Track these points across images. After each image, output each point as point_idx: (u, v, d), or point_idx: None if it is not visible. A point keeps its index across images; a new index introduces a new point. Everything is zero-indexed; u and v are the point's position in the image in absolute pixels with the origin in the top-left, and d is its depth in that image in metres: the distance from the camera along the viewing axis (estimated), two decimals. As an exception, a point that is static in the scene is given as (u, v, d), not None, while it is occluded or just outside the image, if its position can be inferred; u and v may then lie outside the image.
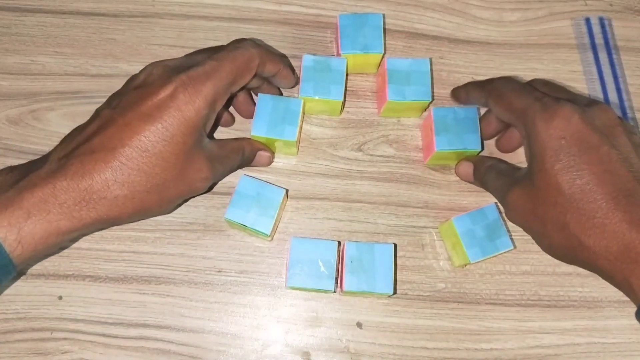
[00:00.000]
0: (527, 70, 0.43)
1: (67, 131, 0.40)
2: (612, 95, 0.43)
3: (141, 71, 0.33)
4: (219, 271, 0.38)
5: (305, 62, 0.39)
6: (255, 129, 0.37)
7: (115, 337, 0.37)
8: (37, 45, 0.42)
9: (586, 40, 0.44)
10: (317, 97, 0.38)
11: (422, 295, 0.38)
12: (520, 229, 0.34)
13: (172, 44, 0.43)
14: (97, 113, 0.32)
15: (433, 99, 0.39)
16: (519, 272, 0.39)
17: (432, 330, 0.38)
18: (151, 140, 0.30)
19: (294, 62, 0.42)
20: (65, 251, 0.38)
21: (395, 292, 0.38)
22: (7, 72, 0.42)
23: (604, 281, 0.38)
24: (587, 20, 0.44)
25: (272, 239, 0.38)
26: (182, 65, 0.33)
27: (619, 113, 0.42)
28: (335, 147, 0.41)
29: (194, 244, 0.38)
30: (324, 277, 0.35)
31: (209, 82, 0.32)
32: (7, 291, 0.37)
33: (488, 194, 0.40)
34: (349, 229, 0.39)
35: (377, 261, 0.35)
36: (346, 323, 0.38)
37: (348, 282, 0.35)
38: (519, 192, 0.33)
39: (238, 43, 0.35)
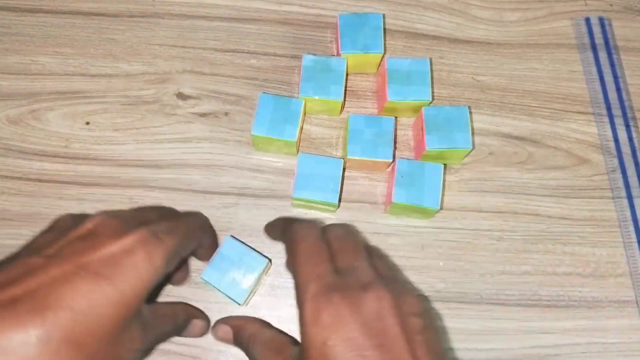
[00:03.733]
0: (527, 70, 0.43)
1: (67, 131, 0.41)
2: (612, 95, 0.43)
3: (85, 219, 0.28)
4: None
5: (305, 62, 0.39)
6: (256, 128, 0.37)
7: (115, 337, 0.37)
8: (37, 45, 0.42)
9: (586, 40, 0.44)
10: (317, 97, 0.38)
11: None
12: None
13: (172, 44, 0.43)
14: (23, 258, 0.26)
15: (433, 99, 0.39)
16: (519, 272, 0.39)
17: (432, 330, 0.38)
18: (94, 302, 0.24)
19: (294, 62, 0.42)
20: (65, 251, 0.38)
21: (441, 209, 0.38)
22: (7, 72, 0.42)
23: (604, 281, 0.38)
24: (587, 20, 0.44)
25: (246, 304, 0.37)
26: (137, 220, 0.29)
27: (619, 113, 0.42)
28: (335, 147, 0.41)
29: (194, 244, 0.38)
30: (329, 191, 0.36)
31: (168, 239, 0.28)
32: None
33: (488, 194, 0.40)
34: (349, 229, 0.39)
35: (427, 178, 0.36)
36: (346, 323, 0.38)
37: (397, 195, 0.36)
38: None
39: (182, 214, 0.34)
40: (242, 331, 0.34)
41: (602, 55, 0.44)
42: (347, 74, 0.40)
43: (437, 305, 0.38)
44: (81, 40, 0.43)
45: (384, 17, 0.40)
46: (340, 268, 0.28)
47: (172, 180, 0.39)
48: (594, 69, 0.43)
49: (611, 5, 0.45)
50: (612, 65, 0.43)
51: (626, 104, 0.43)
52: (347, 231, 0.31)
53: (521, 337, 0.38)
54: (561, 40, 0.44)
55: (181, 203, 0.39)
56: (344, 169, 0.37)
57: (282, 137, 0.37)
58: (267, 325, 0.35)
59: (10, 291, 0.24)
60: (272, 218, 0.39)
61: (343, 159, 0.37)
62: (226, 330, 0.35)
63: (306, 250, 0.29)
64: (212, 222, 0.39)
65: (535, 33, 0.44)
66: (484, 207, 0.40)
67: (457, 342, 0.37)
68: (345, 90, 0.41)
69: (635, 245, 0.39)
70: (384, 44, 0.39)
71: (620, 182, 0.41)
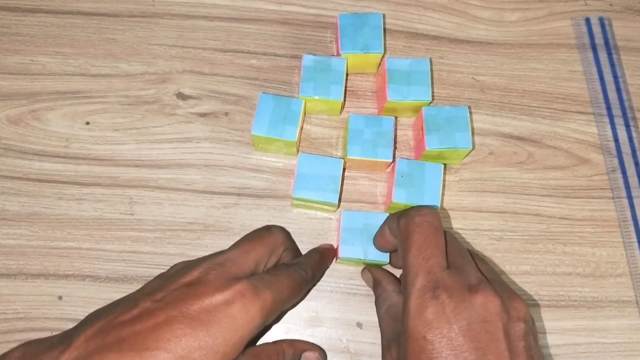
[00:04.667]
0: (527, 70, 0.43)
1: (67, 131, 0.41)
2: (612, 95, 0.43)
3: (194, 266, 0.30)
4: None
5: (305, 62, 0.39)
6: (256, 128, 0.37)
7: (115, 337, 0.37)
8: (37, 45, 0.42)
9: (586, 40, 0.44)
10: (317, 97, 0.38)
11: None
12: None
13: (172, 44, 0.43)
14: (135, 301, 0.28)
15: (433, 99, 0.39)
16: (519, 272, 0.39)
17: (432, 330, 0.38)
18: (189, 347, 0.26)
19: (294, 62, 0.42)
20: (65, 251, 0.38)
21: (441, 208, 0.38)
22: (7, 72, 0.42)
23: (604, 281, 0.38)
24: (587, 20, 0.44)
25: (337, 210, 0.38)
26: (242, 272, 0.30)
27: (619, 113, 0.42)
28: (335, 147, 0.41)
29: (194, 244, 0.38)
30: (329, 191, 0.36)
31: (267, 294, 0.29)
32: (7, 291, 0.37)
33: (488, 194, 0.40)
34: (349, 229, 0.39)
35: (427, 178, 0.36)
36: (346, 323, 0.38)
37: (397, 195, 0.36)
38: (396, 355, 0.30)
39: (294, 265, 0.33)
40: (378, 285, 0.35)
41: (602, 55, 0.44)
42: (347, 74, 0.40)
43: (437, 305, 0.38)
44: (81, 40, 0.43)
45: (384, 17, 0.40)
46: (450, 265, 0.29)
47: (172, 180, 0.39)
48: (594, 69, 0.43)
49: (611, 5, 0.45)
50: (612, 65, 0.43)
51: (626, 104, 0.43)
52: (451, 234, 0.32)
53: (521, 337, 0.37)
54: (561, 40, 0.44)
55: (181, 203, 0.39)
56: (344, 169, 0.37)
57: (282, 137, 0.37)
58: (399, 289, 0.34)
59: (119, 332, 0.27)
60: (272, 218, 0.39)
61: (343, 159, 0.37)
62: (368, 277, 0.37)
63: (420, 241, 0.29)
64: (212, 222, 0.39)
65: (535, 33, 0.44)
66: (484, 207, 0.40)
67: (457, 342, 0.37)
68: (345, 90, 0.41)
69: (635, 245, 0.39)
70: (384, 44, 0.39)
71: (620, 182, 0.41)
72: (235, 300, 0.28)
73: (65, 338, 0.28)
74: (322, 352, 0.35)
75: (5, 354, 0.28)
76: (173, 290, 0.29)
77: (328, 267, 0.38)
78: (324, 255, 0.37)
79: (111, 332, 0.27)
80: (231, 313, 0.28)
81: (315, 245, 0.38)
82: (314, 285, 0.38)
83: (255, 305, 0.29)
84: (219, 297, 0.28)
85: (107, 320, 0.28)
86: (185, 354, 0.26)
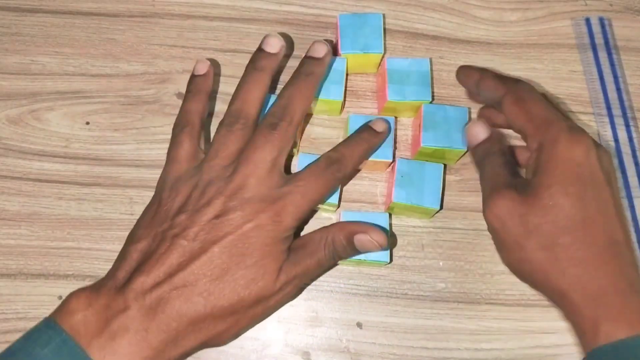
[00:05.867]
0: (527, 70, 0.43)
1: (67, 131, 0.40)
2: (612, 95, 0.43)
3: (212, 196, 0.32)
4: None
5: (305, 62, 0.39)
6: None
7: (115, 337, 0.37)
8: (37, 45, 0.42)
9: (586, 40, 0.44)
10: (317, 97, 0.38)
11: (422, 295, 0.38)
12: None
13: (172, 44, 0.43)
14: (169, 242, 0.31)
15: (433, 99, 0.39)
16: (519, 272, 0.39)
17: (432, 330, 0.38)
18: (237, 277, 0.30)
19: (294, 62, 0.42)
20: (65, 251, 0.38)
21: (441, 209, 0.38)
22: (7, 72, 0.42)
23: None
24: (587, 20, 0.44)
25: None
26: (264, 189, 0.32)
27: (619, 113, 0.42)
28: (335, 147, 0.41)
29: (194, 244, 0.38)
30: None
31: (295, 206, 0.32)
32: (7, 291, 0.37)
33: (488, 194, 0.40)
34: (349, 229, 0.39)
35: (427, 178, 0.36)
36: (346, 323, 0.38)
37: (397, 195, 0.36)
38: (515, 194, 0.32)
39: (334, 163, 0.34)
40: (493, 142, 0.36)
41: (602, 55, 0.44)
42: (347, 74, 0.40)
43: (437, 305, 0.38)
44: (81, 40, 0.43)
45: (384, 17, 0.40)
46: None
47: (172, 180, 0.39)
48: (594, 69, 0.43)
49: (611, 5, 0.45)
50: (612, 65, 0.43)
51: (626, 104, 0.43)
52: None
53: (521, 337, 0.38)
54: (561, 40, 0.44)
55: (181, 203, 0.39)
56: None
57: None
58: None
59: (172, 280, 0.30)
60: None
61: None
62: (482, 127, 0.36)
63: (543, 99, 0.34)
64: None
65: (535, 33, 0.44)
66: (484, 207, 0.40)
67: (457, 342, 0.37)
68: (346, 90, 0.41)
69: (635, 245, 0.39)
70: (384, 44, 0.39)
71: (620, 182, 0.41)
72: (265, 225, 0.31)
73: (120, 285, 0.30)
74: (377, 233, 0.33)
75: (67, 302, 0.30)
76: (203, 226, 0.31)
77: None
78: (371, 144, 0.36)
79: (165, 281, 0.30)
80: (263, 235, 0.31)
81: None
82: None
83: (285, 222, 0.31)
84: (248, 226, 0.31)
85: (157, 269, 0.30)
86: (237, 286, 0.30)
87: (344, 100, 0.40)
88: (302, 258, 0.32)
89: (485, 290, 0.38)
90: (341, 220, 0.36)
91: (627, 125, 0.42)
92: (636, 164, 0.41)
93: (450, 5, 0.45)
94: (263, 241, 0.31)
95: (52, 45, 0.42)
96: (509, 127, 0.37)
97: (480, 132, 0.36)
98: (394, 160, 0.38)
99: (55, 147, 0.40)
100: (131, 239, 0.33)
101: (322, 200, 0.34)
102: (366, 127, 0.36)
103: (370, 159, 0.37)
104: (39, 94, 0.41)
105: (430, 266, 0.39)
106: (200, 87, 0.37)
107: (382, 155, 0.37)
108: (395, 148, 0.39)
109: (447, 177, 0.41)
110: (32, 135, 0.40)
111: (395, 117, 0.39)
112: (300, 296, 0.38)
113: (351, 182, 0.40)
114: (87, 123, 0.41)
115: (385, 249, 0.34)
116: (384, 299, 0.38)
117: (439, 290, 0.38)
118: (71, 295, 0.30)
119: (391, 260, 0.37)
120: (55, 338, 0.28)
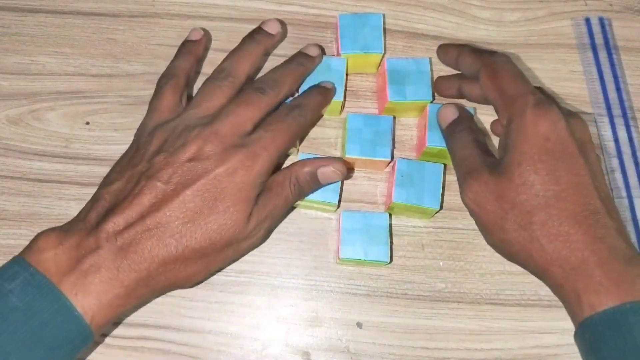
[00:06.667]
0: (527, 70, 0.43)
1: (67, 131, 0.40)
2: (612, 95, 0.43)
3: (188, 138, 0.32)
4: (219, 271, 0.38)
5: (305, 62, 0.39)
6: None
7: (115, 337, 0.37)
8: (37, 45, 0.42)
9: (586, 40, 0.44)
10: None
11: (422, 295, 0.38)
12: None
13: (172, 44, 0.43)
14: (143, 183, 0.31)
15: (433, 99, 0.39)
16: (519, 272, 0.39)
17: (432, 330, 0.38)
18: (209, 221, 0.31)
19: (294, 62, 0.42)
20: (65, 251, 0.38)
21: (441, 209, 0.38)
22: (7, 72, 0.42)
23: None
24: (587, 20, 0.44)
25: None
26: (237, 135, 0.33)
27: (619, 113, 0.42)
28: (335, 147, 0.41)
29: (194, 244, 0.38)
30: (329, 191, 0.36)
31: (266, 152, 0.32)
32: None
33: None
34: (349, 229, 0.39)
35: (427, 178, 0.36)
36: (346, 323, 0.38)
37: (397, 195, 0.36)
38: (488, 176, 0.32)
39: (295, 108, 0.35)
40: (460, 121, 0.36)
41: (602, 55, 0.44)
42: (347, 74, 0.40)
43: (437, 305, 0.38)
44: (81, 40, 0.43)
45: (384, 17, 0.40)
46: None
47: (172, 180, 0.39)
48: (594, 69, 0.43)
49: (611, 5, 0.45)
50: (612, 65, 0.43)
51: (626, 104, 0.43)
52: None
53: (521, 337, 0.38)
54: (561, 40, 0.44)
55: (181, 203, 0.39)
56: None
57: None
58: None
59: (144, 222, 0.30)
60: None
61: (343, 158, 0.37)
62: (452, 110, 0.37)
63: (516, 71, 0.34)
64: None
65: (535, 33, 0.44)
66: (484, 207, 0.40)
67: (457, 342, 0.37)
68: (345, 90, 0.41)
69: (635, 245, 0.39)
70: (384, 44, 0.39)
71: (620, 182, 0.41)
72: (237, 170, 0.31)
73: (91, 227, 0.30)
74: (338, 163, 0.35)
75: (35, 242, 0.30)
76: (177, 168, 0.31)
77: (326, 108, 0.39)
78: (325, 97, 0.38)
79: (137, 222, 0.30)
80: (235, 180, 0.31)
81: (316, 246, 0.38)
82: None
83: (256, 166, 0.32)
84: (221, 170, 0.31)
85: (129, 211, 0.30)
86: (209, 229, 0.31)
87: (344, 100, 0.40)
88: (270, 199, 0.33)
89: (485, 290, 0.38)
90: (341, 219, 0.36)
91: (627, 125, 0.42)
92: (636, 164, 0.41)
93: (450, 5, 0.45)
94: (235, 186, 0.31)
95: (52, 45, 0.42)
96: (486, 102, 0.37)
97: (449, 114, 0.36)
98: (392, 160, 0.38)
99: (55, 147, 0.40)
100: (104, 183, 0.33)
101: (290, 145, 0.35)
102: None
103: (369, 158, 0.37)
104: (39, 94, 0.41)
105: (430, 266, 0.39)
106: (191, 49, 0.39)
107: (381, 154, 0.37)
108: (394, 148, 0.39)
109: (447, 177, 0.40)
110: (32, 135, 0.40)
111: (394, 117, 0.39)
112: (300, 296, 0.38)
113: (351, 182, 0.40)
114: (87, 123, 0.41)
115: (346, 178, 0.37)
116: (384, 299, 0.38)
117: (439, 290, 0.38)
118: (40, 234, 0.31)
119: (391, 260, 0.37)
120: (23, 272, 0.28)
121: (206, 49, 0.43)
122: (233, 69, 0.36)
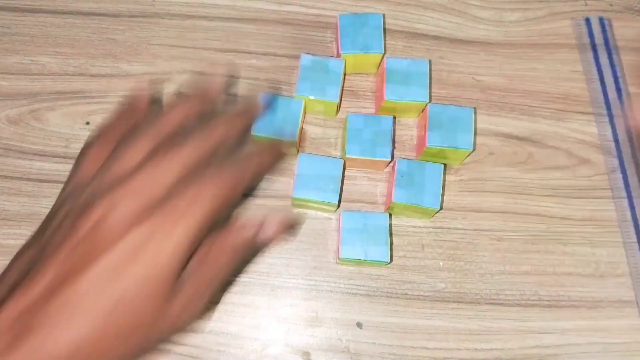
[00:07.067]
0: (527, 70, 0.43)
1: (67, 131, 0.40)
2: (612, 95, 0.43)
3: (89, 203, 0.26)
4: None
5: (303, 62, 0.39)
6: (256, 128, 0.37)
7: (115, 337, 0.37)
8: (37, 45, 0.42)
9: (586, 40, 0.44)
10: (312, 97, 0.38)
11: (422, 295, 0.38)
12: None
13: (172, 44, 0.43)
14: (41, 264, 0.25)
15: (430, 101, 0.39)
16: (519, 272, 0.39)
17: (432, 330, 0.38)
18: (110, 308, 0.24)
19: (294, 62, 0.42)
20: (65, 251, 0.38)
21: (441, 209, 0.38)
22: (7, 72, 0.42)
23: (604, 281, 0.38)
24: (587, 20, 0.44)
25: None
26: (154, 197, 0.26)
27: (619, 113, 0.42)
28: (335, 147, 0.41)
29: (193, 244, 0.38)
30: (329, 191, 0.36)
31: (189, 217, 0.26)
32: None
33: (488, 194, 0.40)
34: (349, 229, 0.39)
35: (427, 178, 0.36)
36: (346, 323, 0.38)
37: (397, 195, 0.36)
38: None
39: (238, 159, 0.29)
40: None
41: (602, 56, 0.44)
42: (344, 75, 0.40)
43: (437, 305, 0.38)
44: (81, 40, 0.43)
45: (384, 17, 0.40)
46: None
47: (172, 180, 0.39)
48: (594, 69, 0.43)
49: (611, 5, 0.45)
50: (612, 65, 0.43)
51: (626, 104, 0.43)
52: None
53: (521, 337, 0.37)
54: (561, 40, 0.44)
55: (181, 203, 0.39)
56: (344, 169, 0.37)
57: (282, 137, 0.37)
58: None
59: (37, 313, 0.24)
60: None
61: (343, 158, 0.37)
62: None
63: None
64: (212, 222, 0.39)
65: (536, 33, 0.44)
66: (484, 207, 0.40)
67: (457, 342, 0.37)
68: (342, 91, 0.41)
69: (635, 245, 0.39)
70: (384, 44, 0.39)
71: (620, 182, 0.41)
72: (148, 242, 0.25)
73: None
74: (279, 224, 0.30)
75: None
76: (75, 246, 0.25)
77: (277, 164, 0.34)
78: (274, 156, 0.33)
79: (30, 312, 0.24)
80: (145, 257, 0.25)
81: (316, 245, 0.38)
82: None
83: (174, 236, 0.25)
84: (126, 244, 0.25)
85: (27, 293, 0.24)
86: (111, 315, 0.24)
87: (340, 101, 0.40)
88: (201, 272, 0.27)
89: (485, 290, 0.38)
90: (341, 219, 0.36)
91: (627, 125, 0.42)
92: (636, 164, 0.41)
93: (450, 5, 0.45)
94: (145, 265, 0.25)
95: (52, 45, 0.42)
96: None
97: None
98: (392, 160, 0.38)
99: (55, 147, 0.40)
100: (17, 253, 0.27)
101: (225, 205, 0.28)
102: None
103: (369, 158, 0.37)
104: (39, 94, 0.41)
105: (430, 266, 0.39)
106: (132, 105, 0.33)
107: (381, 154, 0.37)
108: (394, 148, 0.39)
109: (447, 177, 0.41)
110: (32, 135, 0.40)
111: (394, 117, 0.39)
112: (300, 296, 0.38)
113: (351, 182, 0.40)
114: (87, 123, 0.41)
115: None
116: (384, 299, 0.38)
117: (439, 290, 0.38)
118: None
119: (391, 260, 0.37)
120: None
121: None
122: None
